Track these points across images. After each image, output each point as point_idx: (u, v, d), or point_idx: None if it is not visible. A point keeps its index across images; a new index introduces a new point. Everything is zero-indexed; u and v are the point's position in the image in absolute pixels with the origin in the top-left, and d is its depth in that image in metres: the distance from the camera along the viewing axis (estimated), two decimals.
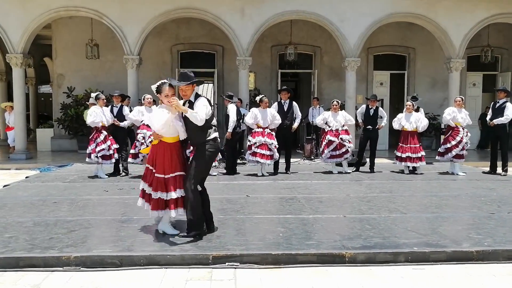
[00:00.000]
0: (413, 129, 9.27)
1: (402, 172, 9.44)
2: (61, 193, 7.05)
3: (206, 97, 4.70)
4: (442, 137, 12.40)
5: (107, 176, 8.78)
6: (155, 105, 8.77)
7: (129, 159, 8.81)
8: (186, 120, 4.53)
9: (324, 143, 9.31)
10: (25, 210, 5.86)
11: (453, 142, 9.20)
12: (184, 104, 4.56)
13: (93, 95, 8.96)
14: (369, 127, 9.63)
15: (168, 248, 4.22)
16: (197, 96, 4.65)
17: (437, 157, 9.54)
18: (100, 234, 4.75)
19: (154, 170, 4.58)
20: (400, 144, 9.38)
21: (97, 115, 8.42)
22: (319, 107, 12.61)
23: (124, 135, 9.29)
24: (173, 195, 4.50)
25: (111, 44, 13.48)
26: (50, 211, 5.79)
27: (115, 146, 8.73)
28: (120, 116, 9.06)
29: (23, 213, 5.68)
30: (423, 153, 9.28)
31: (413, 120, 9.27)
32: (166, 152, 4.54)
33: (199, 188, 4.64)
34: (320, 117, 9.60)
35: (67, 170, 9.84)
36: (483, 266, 4.06)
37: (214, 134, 4.68)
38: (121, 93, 9.54)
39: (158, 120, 4.49)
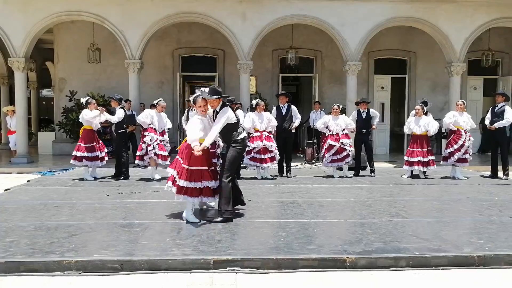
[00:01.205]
0: (422, 132, 9.27)
1: (403, 176, 9.44)
2: (62, 197, 7.06)
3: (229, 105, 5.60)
4: (444, 141, 12.44)
5: (93, 179, 8.95)
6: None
7: (136, 161, 8.89)
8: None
9: (325, 147, 9.31)
10: (26, 214, 5.86)
11: (455, 146, 9.19)
12: (213, 113, 5.47)
13: (83, 100, 9.13)
14: (363, 130, 9.62)
15: (169, 253, 4.22)
16: (222, 106, 5.45)
17: (441, 162, 9.51)
18: (101, 239, 4.75)
19: (182, 161, 5.34)
20: (409, 148, 9.37)
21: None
22: (320, 111, 12.61)
23: (123, 139, 9.26)
24: (197, 185, 5.25)
25: (112, 48, 13.53)
26: (51, 215, 5.80)
27: (102, 152, 8.99)
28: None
29: (24, 217, 5.69)
30: (432, 157, 9.27)
31: (422, 124, 9.27)
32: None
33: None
34: (321, 121, 9.61)
35: (68, 174, 9.85)
36: (485, 271, 4.05)
37: (242, 135, 5.58)
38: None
39: (193, 133, 5.31)
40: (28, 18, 11.80)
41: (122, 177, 9.03)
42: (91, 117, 8.73)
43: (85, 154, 8.72)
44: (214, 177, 5.44)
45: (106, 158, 9.10)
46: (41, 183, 8.62)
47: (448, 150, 9.29)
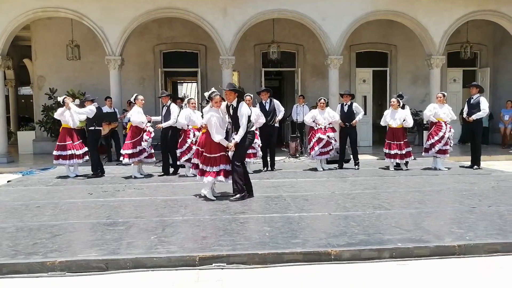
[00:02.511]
0: (398, 125, 9.38)
1: (387, 168, 9.56)
2: (44, 197, 6.96)
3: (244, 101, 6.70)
4: (425, 132, 12.63)
5: (75, 175, 9.04)
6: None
7: (123, 159, 8.82)
8: (234, 120, 6.47)
9: (313, 140, 9.37)
10: (7, 215, 5.76)
11: (436, 138, 9.35)
12: (228, 107, 6.51)
13: (59, 98, 9.17)
14: (346, 124, 9.69)
15: (154, 250, 4.20)
16: (239, 101, 6.46)
17: (423, 153, 9.67)
18: (85, 238, 4.71)
19: (203, 151, 6.48)
20: (387, 141, 9.49)
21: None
22: (303, 105, 12.67)
23: (94, 137, 9.19)
24: (216, 168, 6.37)
25: (92, 45, 13.32)
26: (33, 215, 5.71)
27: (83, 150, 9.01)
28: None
29: (5, 218, 5.59)
30: (409, 148, 9.40)
31: (398, 117, 9.38)
32: (212, 139, 6.38)
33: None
34: (309, 115, 9.65)
35: (50, 173, 9.70)
36: (465, 260, 4.15)
37: (252, 128, 6.67)
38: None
39: (218, 134, 6.39)
40: (3, 15, 11.52)
41: (93, 175, 8.97)
42: (58, 114, 8.79)
43: (58, 152, 8.80)
44: (228, 162, 6.49)
45: (79, 160, 9.00)
46: (22, 183, 8.48)
47: (429, 142, 9.45)
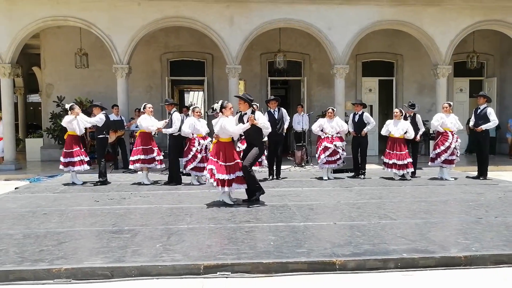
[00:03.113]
0: (400, 135, 9.37)
1: (392, 178, 9.51)
2: (51, 204, 7.01)
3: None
4: (432, 142, 12.58)
5: (81, 182, 9.10)
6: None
7: (131, 166, 9.02)
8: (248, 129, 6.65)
9: (320, 148, 9.41)
10: (15, 222, 5.81)
11: (442, 148, 9.32)
12: (240, 117, 6.84)
13: (67, 106, 9.25)
14: (357, 133, 9.73)
15: (159, 259, 4.22)
16: (253, 112, 6.79)
17: (429, 163, 9.63)
18: (91, 245, 4.74)
19: (218, 161, 6.57)
20: (387, 151, 9.48)
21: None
22: (303, 114, 12.70)
23: (102, 145, 9.27)
24: (232, 176, 6.53)
25: (100, 53, 13.46)
26: (40, 222, 5.76)
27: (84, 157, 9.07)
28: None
29: (12, 225, 5.64)
30: (410, 159, 9.37)
31: (401, 127, 9.37)
32: (225, 148, 6.63)
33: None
34: (316, 123, 9.68)
35: (57, 180, 9.77)
36: (471, 271, 4.12)
37: (264, 138, 7.09)
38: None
39: (235, 129, 6.67)
40: (13, 23, 11.70)
41: (99, 183, 9.02)
42: (67, 122, 8.85)
43: (67, 159, 8.87)
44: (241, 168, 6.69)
45: (86, 166, 9.08)
46: (30, 190, 8.54)
47: (435, 151, 9.42)
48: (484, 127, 9.28)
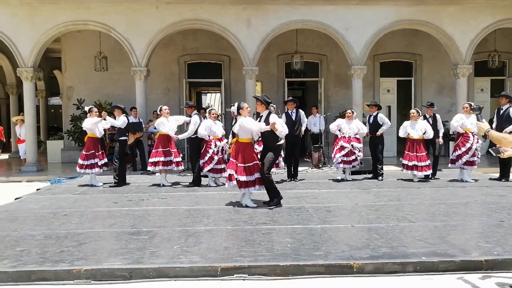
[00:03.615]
0: (419, 137, 9.24)
1: (411, 180, 9.39)
2: (71, 205, 7.14)
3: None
4: (451, 143, 12.37)
5: (101, 184, 9.24)
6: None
7: (149, 168, 9.14)
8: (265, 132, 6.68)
9: (336, 148, 9.37)
10: (36, 223, 5.94)
11: (463, 149, 9.16)
12: (258, 118, 7.04)
13: (86, 108, 9.40)
14: (371, 134, 9.70)
15: (177, 260, 4.26)
16: (269, 113, 6.83)
17: (449, 165, 9.46)
18: (110, 247, 4.81)
19: (237, 162, 6.60)
20: (406, 152, 9.35)
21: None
22: (319, 116, 12.65)
23: (123, 147, 9.37)
24: (251, 178, 6.56)
25: (119, 56, 13.65)
26: (61, 223, 5.87)
27: (103, 160, 9.19)
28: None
29: (34, 226, 5.76)
30: (429, 161, 9.23)
31: (419, 128, 9.24)
32: (244, 148, 6.68)
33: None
34: (335, 123, 9.63)
35: (77, 182, 9.94)
36: (492, 275, 4.04)
37: (281, 141, 6.86)
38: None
39: (255, 125, 6.72)
40: (35, 28, 11.96)
41: (115, 184, 9.13)
42: (91, 123, 8.94)
43: (83, 162, 9.00)
44: (260, 170, 6.69)
45: (104, 168, 9.24)
46: (51, 191, 8.71)
47: (456, 153, 9.25)
48: (508, 129, 9.04)
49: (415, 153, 9.18)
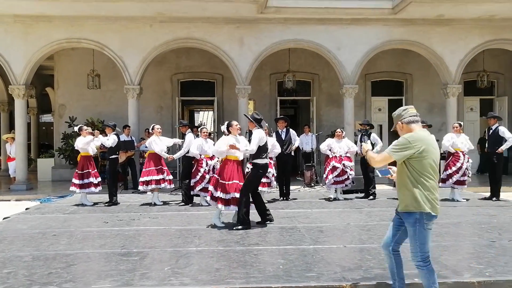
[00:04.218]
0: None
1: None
2: (61, 225, 7.04)
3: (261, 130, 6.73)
4: (442, 162, 12.44)
5: (92, 203, 9.14)
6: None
7: (140, 187, 9.09)
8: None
9: (328, 168, 9.38)
10: (25, 243, 5.84)
11: (454, 168, 9.22)
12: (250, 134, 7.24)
13: (75, 128, 9.42)
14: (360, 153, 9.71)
15: (167, 282, 4.20)
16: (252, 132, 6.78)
17: (440, 184, 9.50)
18: (99, 268, 4.73)
19: (219, 178, 6.62)
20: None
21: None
22: (311, 135, 12.70)
23: (114, 165, 9.33)
24: (227, 196, 6.50)
25: (112, 74, 13.67)
26: (50, 244, 5.78)
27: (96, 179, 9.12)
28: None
29: (22, 246, 5.66)
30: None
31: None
32: (229, 166, 6.63)
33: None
34: (325, 143, 9.68)
35: (67, 201, 9.83)
36: None
37: (265, 160, 6.72)
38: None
39: (217, 145, 6.78)
40: (29, 46, 11.97)
41: (111, 203, 9.05)
42: (84, 143, 8.89)
43: (78, 181, 8.92)
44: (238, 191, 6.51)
45: (99, 187, 9.18)
46: (40, 211, 8.59)
47: (447, 172, 9.30)
48: (503, 147, 9.16)
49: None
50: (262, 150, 6.65)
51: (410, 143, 3.49)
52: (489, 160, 9.54)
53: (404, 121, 3.74)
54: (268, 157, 6.97)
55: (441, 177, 9.51)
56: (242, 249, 5.41)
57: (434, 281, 3.58)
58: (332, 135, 11.63)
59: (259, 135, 6.61)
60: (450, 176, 9.22)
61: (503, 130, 9.28)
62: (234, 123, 6.91)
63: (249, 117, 6.90)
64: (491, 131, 9.47)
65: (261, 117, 6.89)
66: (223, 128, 6.96)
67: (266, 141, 6.87)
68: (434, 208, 3.48)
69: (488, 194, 9.60)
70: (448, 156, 9.51)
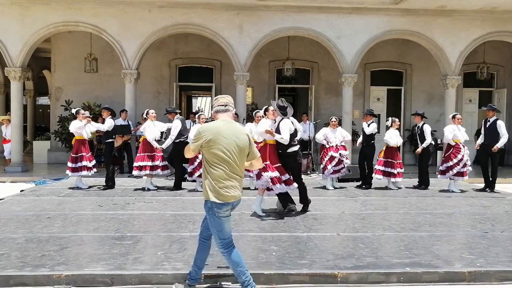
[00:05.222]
0: (395, 145, 9.51)
1: (400, 188, 9.56)
2: (55, 208, 7.04)
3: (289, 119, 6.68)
4: (439, 152, 12.44)
5: (87, 186, 9.12)
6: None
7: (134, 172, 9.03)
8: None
9: (326, 158, 9.35)
10: (18, 225, 5.84)
11: (455, 160, 9.20)
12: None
13: (73, 110, 9.33)
14: (363, 143, 9.68)
15: (160, 267, 4.21)
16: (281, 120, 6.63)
17: (439, 176, 9.51)
18: (93, 252, 4.74)
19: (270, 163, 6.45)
20: (390, 160, 9.45)
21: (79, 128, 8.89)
22: (309, 123, 12.66)
23: (110, 149, 9.32)
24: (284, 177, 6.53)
25: (109, 58, 13.56)
26: (43, 226, 5.78)
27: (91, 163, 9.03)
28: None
29: (15, 228, 5.66)
30: (401, 170, 9.49)
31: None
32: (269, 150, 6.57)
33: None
34: (320, 132, 9.64)
35: (63, 184, 9.82)
36: (475, 287, 4.06)
37: (296, 147, 6.74)
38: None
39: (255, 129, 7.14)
40: (25, 28, 11.84)
41: (106, 187, 9.06)
42: (77, 127, 8.86)
43: (72, 165, 8.88)
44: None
45: (94, 170, 9.15)
46: (35, 193, 8.58)
47: (447, 164, 9.26)
48: (498, 145, 9.13)
49: (393, 160, 9.39)
50: (292, 137, 6.61)
51: (200, 134, 3.55)
52: (485, 151, 9.50)
53: (213, 110, 3.79)
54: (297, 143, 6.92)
55: (440, 169, 9.50)
56: (236, 235, 5.37)
57: (238, 265, 3.63)
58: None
59: (287, 124, 6.53)
60: (450, 168, 9.20)
61: (500, 125, 9.24)
62: (271, 108, 6.78)
63: (275, 105, 6.71)
64: (488, 123, 9.44)
65: (286, 105, 6.72)
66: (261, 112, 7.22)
67: (295, 128, 6.82)
68: (222, 196, 3.51)
69: (482, 185, 9.62)
70: (448, 148, 9.43)
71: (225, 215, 3.58)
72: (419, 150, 9.65)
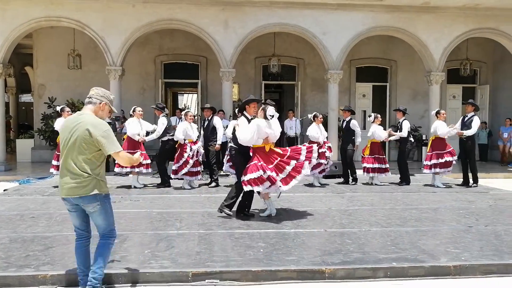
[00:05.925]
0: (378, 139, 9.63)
1: (368, 183, 9.70)
2: (39, 207, 6.93)
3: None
4: (424, 148, 12.56)
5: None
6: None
7: (116, 169, 8.95)
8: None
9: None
10: (2, 225, 5.73)
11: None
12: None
13: (58, 108, 9.14)
14: (341, 139, 9.73)
15: (147, 265, 4.17)
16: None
17: (424, 170, 9.57)
18: None
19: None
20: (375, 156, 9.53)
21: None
22: (295, 119, 12.69)
23: None
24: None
25: (93, 55, 13.39)
26: (28, 226, 5.68)
27: None
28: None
29: None
30: (386, 165, 9.61)
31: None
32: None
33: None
34: (317, 132, 9.47)
35: (47, 183, 9.67)
36: (460, 280, 4.12)
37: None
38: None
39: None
40: (6, 23, 11.60)
41: None
42: (60, 125, 8.69)
43: (56, 162, 8.74)
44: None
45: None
46: (19, 192, 8.44)
47: (435, 161, 9.32)
48: (465, 133, 9.24)
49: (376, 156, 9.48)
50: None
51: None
52: (463, 147, 9.57)
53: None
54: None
55: (425, 163, 9.58)
56: (223, 233, 5.41)
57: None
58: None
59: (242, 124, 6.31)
60: (435, 165, 9.27)
61: (475, 120, 9.28)
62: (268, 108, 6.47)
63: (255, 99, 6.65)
64: (466, 118, 9.56)
65: (257, 99, 6.75)
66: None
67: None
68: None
69: (461, 181, 9.71)
70: (437, 143, 9.42)
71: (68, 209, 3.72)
72: (390, 138, 9.84)
